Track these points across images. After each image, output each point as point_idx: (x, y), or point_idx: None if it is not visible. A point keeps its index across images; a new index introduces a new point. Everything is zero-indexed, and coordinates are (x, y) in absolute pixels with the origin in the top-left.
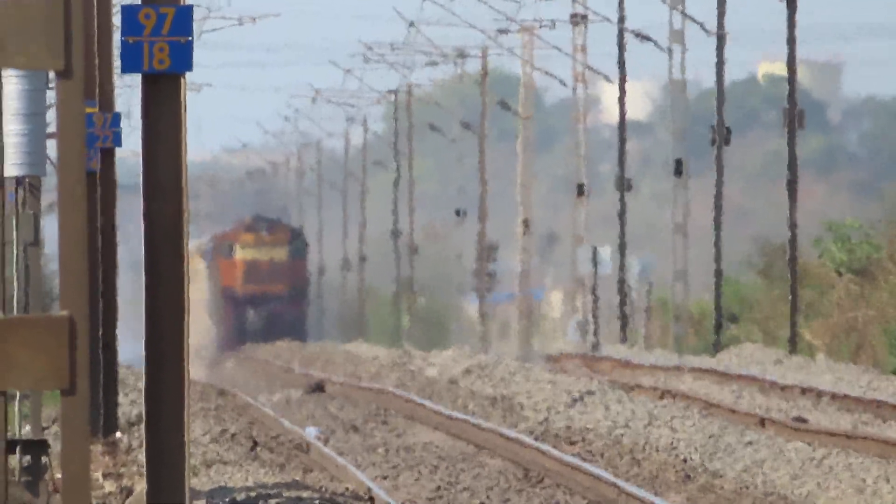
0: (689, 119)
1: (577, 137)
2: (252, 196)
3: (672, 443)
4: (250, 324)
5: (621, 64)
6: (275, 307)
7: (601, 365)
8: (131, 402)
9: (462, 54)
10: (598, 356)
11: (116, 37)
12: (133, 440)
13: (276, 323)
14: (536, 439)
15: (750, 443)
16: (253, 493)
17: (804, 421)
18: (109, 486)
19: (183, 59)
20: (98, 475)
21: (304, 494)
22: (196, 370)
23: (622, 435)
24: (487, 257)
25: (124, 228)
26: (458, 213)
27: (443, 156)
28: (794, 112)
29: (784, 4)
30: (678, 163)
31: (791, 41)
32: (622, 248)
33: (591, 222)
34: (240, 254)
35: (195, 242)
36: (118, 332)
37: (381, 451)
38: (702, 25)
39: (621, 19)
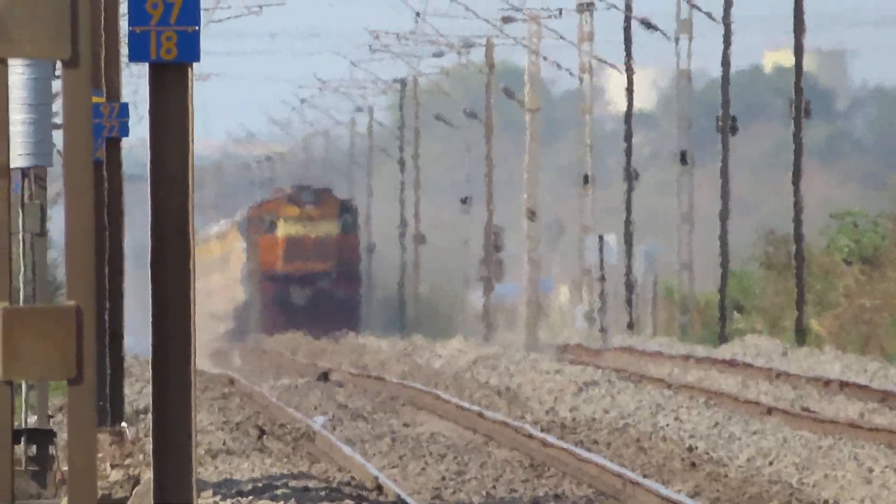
0: (695, 109)
1: (584, 128)
2: (258, 185)
3: (678, 432)
4: (294, 304)
5: (628, 56)
6: (323, 285)
7: (608, 354)
8: (137, 391)
9: (468, 44)
10: (606, 345)
11: (123, 25)
12: (140, 430)
13: (324, 303)
14: (542, 430)
15: (756, 432)
16: (260, 484)
17: (810, 411)
18: (116, 476)
19: (190, 48)
20: (105, 465)
21: (311, 484)
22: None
23: (628, 424)
24: (495, 244)
25: (130, 218)
26: (463, 201)
27: (449, 145)
28: (801, 103)
29: None
30: (683, 152)
31: (797, 32)
32: (628, 238)
33: (597, 212)
34: (282, 229)
35: (229, 221)
36: (124, 321)
37: (387, 440)
38: (709, 14)
39: (628, 7)
